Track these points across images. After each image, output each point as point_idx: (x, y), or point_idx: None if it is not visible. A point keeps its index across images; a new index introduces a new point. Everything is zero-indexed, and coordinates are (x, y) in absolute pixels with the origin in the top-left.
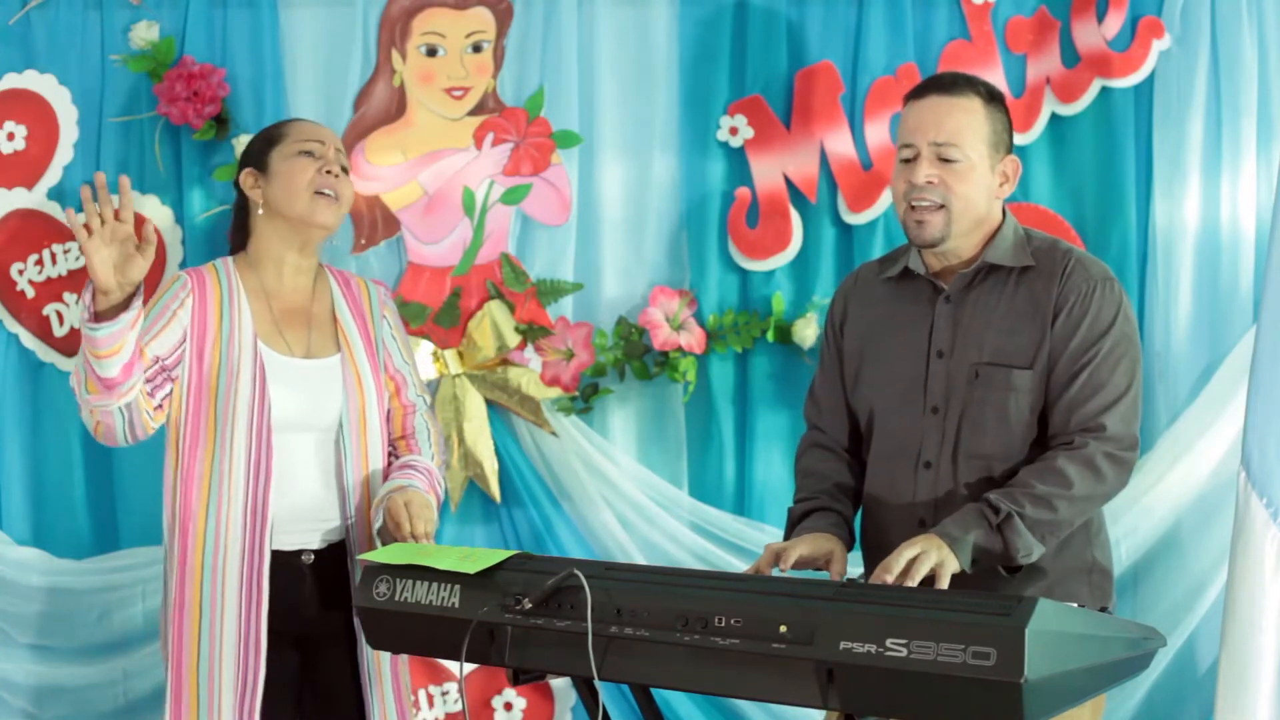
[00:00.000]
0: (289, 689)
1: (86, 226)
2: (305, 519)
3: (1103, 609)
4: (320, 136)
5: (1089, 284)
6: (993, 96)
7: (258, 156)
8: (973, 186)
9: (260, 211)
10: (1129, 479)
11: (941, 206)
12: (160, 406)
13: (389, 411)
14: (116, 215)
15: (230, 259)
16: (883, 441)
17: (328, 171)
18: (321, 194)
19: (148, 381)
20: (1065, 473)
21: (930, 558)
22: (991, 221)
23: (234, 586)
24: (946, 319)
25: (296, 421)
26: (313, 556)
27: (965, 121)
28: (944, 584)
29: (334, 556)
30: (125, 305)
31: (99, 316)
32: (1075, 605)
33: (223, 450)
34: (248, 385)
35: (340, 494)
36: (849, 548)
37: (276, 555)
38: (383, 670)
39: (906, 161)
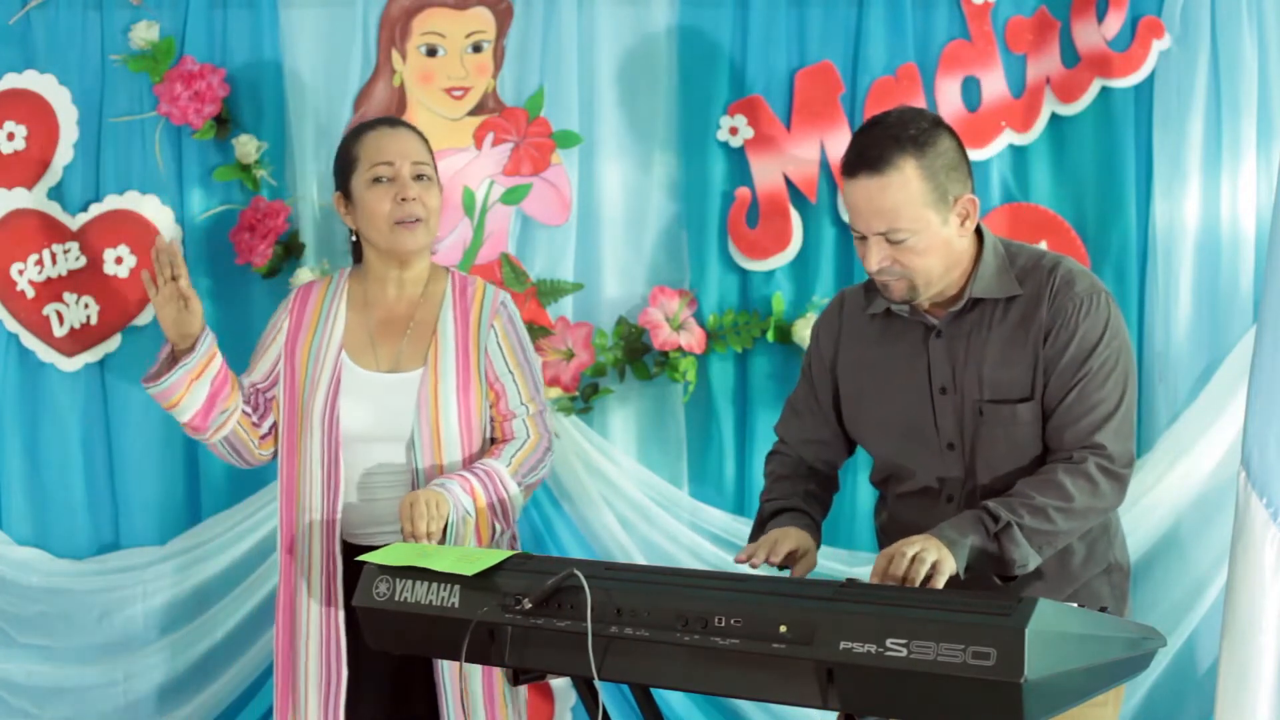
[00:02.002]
0: (382, 691)
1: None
2: (386, 524)
3: (1102, 609)
4: (389, 155)
5: (1074, 302)
6: (925, 144)
7: (342, 180)
8: (928, 256)
9: (353, 238)
10: (1125, 494)
11: (903, 278)
12: (267, 435)
13: (491, 419)
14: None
15: (348, 270)
16: (903, 481)
17: (403, 199)
18: (401, 224)
19: (253, 410)
20: (1064, 486)
21: (930, 554)
22: (965, 260)
23: (318, 590)
24: (941, 354)
25: (366, 433)
26: None
27: (900, 198)
28: (940, 584)
29: None
30: (171, 363)
31: (158, 374)
32: (1075, 605)
33: (305, 459)
34: (321, 397)
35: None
36: (817, 548)
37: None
38: (470, 694)
39: (860, 239)
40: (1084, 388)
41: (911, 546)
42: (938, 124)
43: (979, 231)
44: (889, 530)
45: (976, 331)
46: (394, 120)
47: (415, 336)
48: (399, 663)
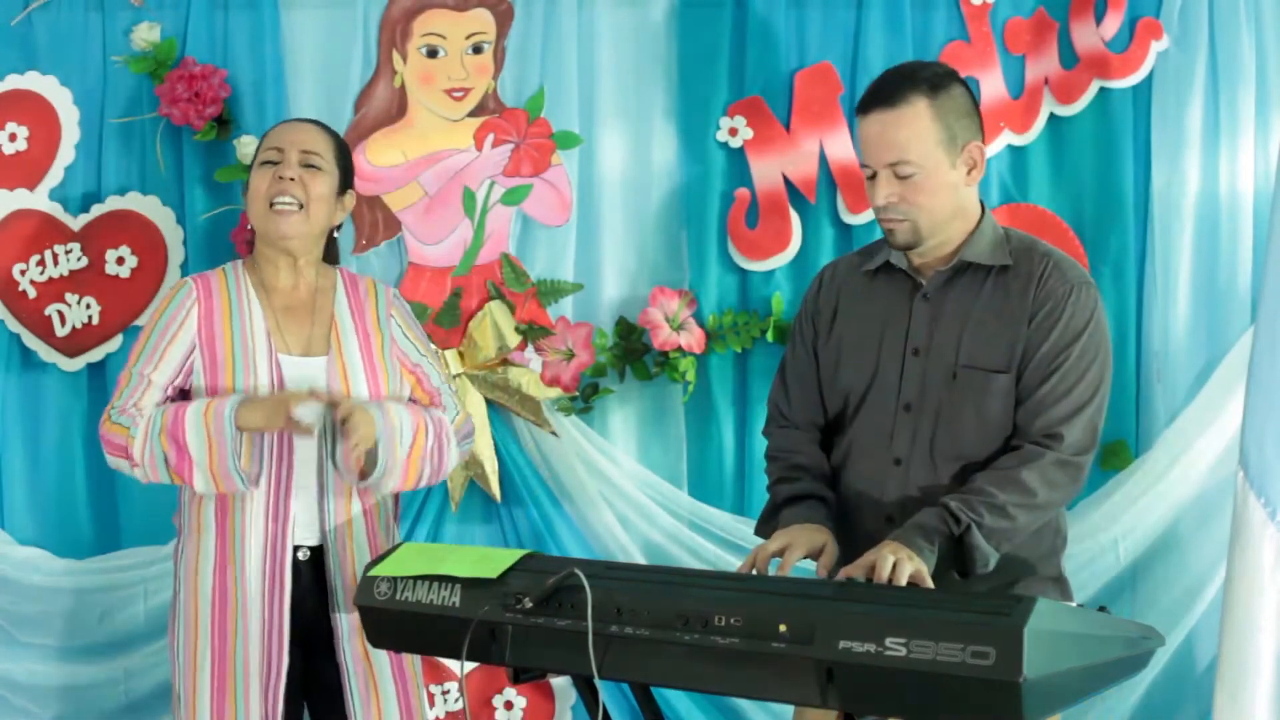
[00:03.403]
0: (295, 683)
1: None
2: (302, 514)
3: (1101, 609)
4: (282, 142)
5: (1065, 287)
6: (938, 86)
7: (250, 168)
8: (933, 195)
9: (250, 227)
10: (1084, 482)
11: (907, 219)
12: None
13: (414, 400)
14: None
15: (240, 261)
16: (857, 435)
17: (281, 178)
18: (276, 204)
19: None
20: (1024, 482)
21: (907, 566)
22: (970, 214)
23: (256, 584)
24: (924, 316)
25: None
26: (309, 553)
27: (911, 133)
28: (929, 585)
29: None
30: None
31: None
32: (1073, 604)
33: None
34: (266, 382)
35: (321, 492)
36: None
37: None
38: (377, 668)
39: (870, 178)
40: (1062, 377)
41: (891, 555)
42: (952, 74)
43: (982, 205)
44: (842, 493)
45: (962, 298)
46: (307, 119)
47: (320, 324)
48: (309, 663)
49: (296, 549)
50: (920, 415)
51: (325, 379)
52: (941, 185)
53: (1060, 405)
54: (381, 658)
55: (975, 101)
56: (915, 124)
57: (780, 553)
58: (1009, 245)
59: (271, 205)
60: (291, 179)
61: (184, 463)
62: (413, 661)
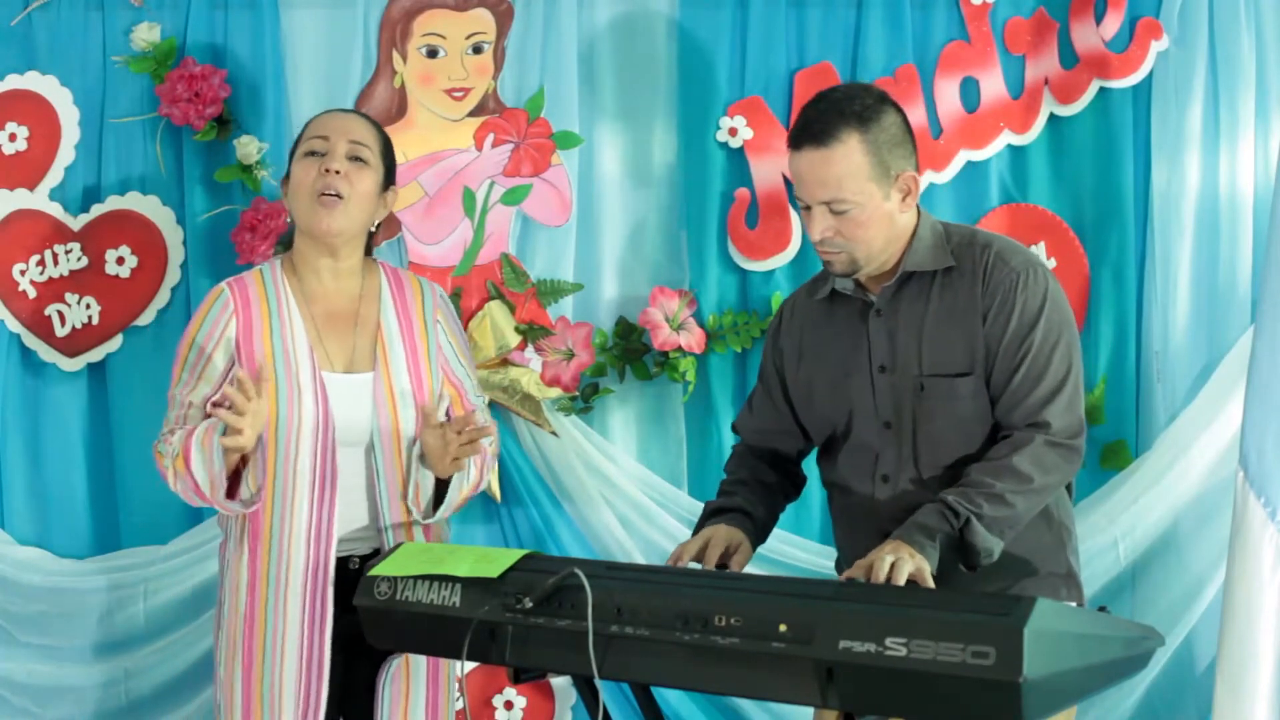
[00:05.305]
0: (335, 689)
1: (238, 430)
2: (349, 526)
3: (1101, 609)
4: (327, 131)
5: (1010, 276)
6: (868, 119)
7: (289, 160)
8: (868, 227)
9: (289, 219)
10: (1079, 464)
11: (844, 251)
12: None
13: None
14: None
15: (278, 260)
16: (847, 457)
17: (327, 170)
18: (322, 196)
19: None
20: (1017, 468)
21: (907, 564)
22: (906, 232)
23: (296, 599)
24: (881, 332)
25: (339, 437)
26: (359, 562)
27: (843, 170)
28: (929, 584)
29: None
30: (237, 480)
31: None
32: (1073, 604)
33: (286, 464)
34: (310, 401)
35: (373, 506)
36: (760, 539)
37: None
38: (412, 671)
39: (805, 210)
40: (1030, 363)
41: (890, 555)
42: (883, 100)
43: (919, 212)
44: (839, 509)
45: (913, 307)
46: (352, 110)
47: (365, 334)
48: (350, 667)
49: (348, 559)
50: (900, 430)
51: (371, 396)
52: (876, 217)
53: (1035, 394)
54: (418, 660)
55: (908, 128)
56: (847, 161)
57: (701, 553)
58: (949, 244)
59: (317, 197)
60: (338, 172)
61: (201, 494)
62: (449, 666)
